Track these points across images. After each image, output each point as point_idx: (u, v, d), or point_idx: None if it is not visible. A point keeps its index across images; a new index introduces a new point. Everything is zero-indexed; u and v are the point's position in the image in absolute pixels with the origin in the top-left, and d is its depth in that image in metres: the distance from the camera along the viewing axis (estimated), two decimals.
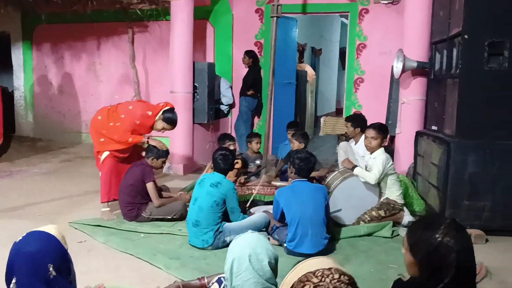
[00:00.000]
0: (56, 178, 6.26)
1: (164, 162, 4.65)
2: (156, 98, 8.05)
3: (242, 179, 4.88)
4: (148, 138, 4.62)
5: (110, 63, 8.47)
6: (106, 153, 4.56)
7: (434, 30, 5.12)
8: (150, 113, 4.59)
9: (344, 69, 8.14)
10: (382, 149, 4.41)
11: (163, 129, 4.68)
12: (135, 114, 4.54)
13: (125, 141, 4.51)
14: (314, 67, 12.83)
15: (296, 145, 5.34)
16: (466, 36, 4.13)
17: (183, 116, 6.53)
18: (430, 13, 5.29)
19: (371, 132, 4.44)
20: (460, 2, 4.25)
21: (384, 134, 4.43)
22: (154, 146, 4.51)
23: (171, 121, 4.65)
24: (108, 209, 4.60)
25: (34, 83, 9.02)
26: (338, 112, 14.15)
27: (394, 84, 5.99)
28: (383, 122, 6.34)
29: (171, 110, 4.68)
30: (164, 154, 4.54)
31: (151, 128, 4.70)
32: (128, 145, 4.56)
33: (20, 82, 9.12)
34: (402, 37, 5.65)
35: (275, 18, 5.44)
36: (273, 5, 5.32)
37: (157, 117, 4.62)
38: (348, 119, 5.51)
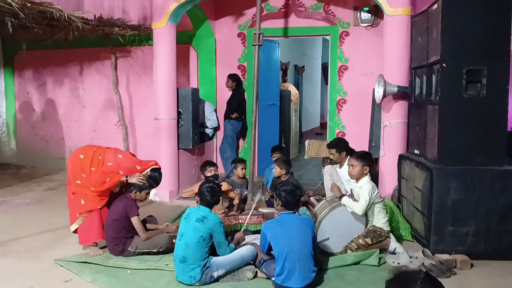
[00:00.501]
0: (40, 209, 6.17)
1: (148, 194, 4.61)
2: (141, 123, 8.07)
3: (236, 201, 4.90)
4: (126, 177, 4.55)
5: (93, 89, 8.44)
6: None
7: (413, 56, 5.21)
8: (138, 167, 4.56)
9: (327, 84, 8.21)
10: (367, 177, 4.44)
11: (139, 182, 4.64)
12: (121, 164, 4.49)
13: (101, 187, 4.44)
14: (298, 84, 12.95)
15: (277, 171, 5.36)
16: (444, 65, 4.22)
17: (168, 142, 6.55)
18: (408, 38, 5.39)
19: (352, 160, 4.48)
20: (438, 30, 4.34)
21: (365, 161, 4.44)
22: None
23: (156, 180, 4.64)
24: (94, 244, 4.55)
25: (16, 110, 8.94)
26: (323, 126, 14.27)
27: (376, 106, 6.06)
28: (367, 143, 6.45)
29: (158, 170, 4.67)
30: (146, 186, 4.51)
31: None
32: (104, 187, 4.49)
33: (2, 109, 9.03)
34: (383, 59, 5.74)
35: (257, 46, 5.48)
36: (255, 33, 5.36)
37: (143, 172, 4.60)
38: (331, 146, 5.52)
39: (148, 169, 4.60)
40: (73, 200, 4.53)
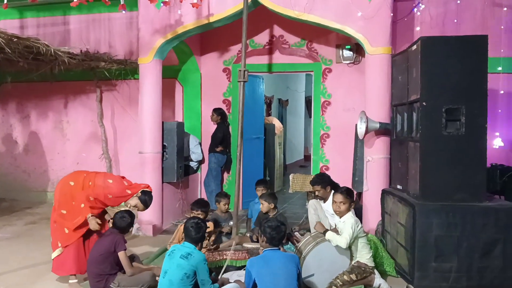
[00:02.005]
0: (21, 244, 6.03)
1: (131, 225, 4.57)
2: (125, 156, 8.03)
3: (213, 238, 4.84)
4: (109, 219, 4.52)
5: (78, 121, 8.41)
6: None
7: (394, 93, 5.34)
8: (129, 191, 4.54)
9: (310, 116, 8.31)
10: (350, 212, 4.47)
11: (135, 207, 4.62)
12: (111, 189, 4.46)
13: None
14: (282, 117, 13.10)
15: (265, 206, 5.36)
16: (424, 104, 4.33)
17: (152, 176, 6.51)
18: (389, 76, 5.53)
19: (339, 197, 4.51)
20: (417, 70, 4.47)
21: (351, 198, 4.51)
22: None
23: (145, 204, 4.63)
24: (75, 280, 4.46)
25: None
26: (307, 158, 14.38)
27: (359, 141, 6.14)
28: (350, 177, 6.50)
29: (149, 193, 4.66)
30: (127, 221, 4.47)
31: (123, 202, 4.65)
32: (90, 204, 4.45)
33: None
34: (365, 95, 5.85)
35: (242, 82, 5.56)
36: (240, 70, 5.45)
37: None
38: (315, 183, 5.48)
39: (139, 191, 4.57)
40: (56, 228, 4.48)
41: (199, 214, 5.01)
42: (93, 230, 4.50)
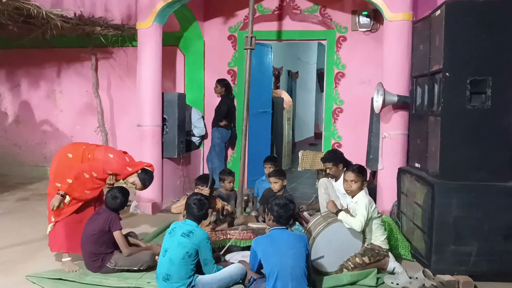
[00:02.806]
0: (13, 220, 6.11)
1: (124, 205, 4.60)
2: (122, 129, 8.05)
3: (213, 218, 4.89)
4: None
5: (72, 91, 8.41)
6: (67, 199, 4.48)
7: (414, 64, 5.27)
8: (130, 169, 4.55)
9: (322, 91, 8.27)
10: (363, 192, 4.47)
11: (133, 184, 4.63)
12: (111, 165, 4.47)
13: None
14: (291, 90, 13.05)
15: (279, 184, 5.39)
16: (447, 74, 4.28)
17: (152, 151, 6.53)
18: (409, 45, 5.46)
19: (350, 175, 4.50)
20: (440, 38, 4.39)
21: (364, 176, 4.50)
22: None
23: (144, 183, 4.63)
24: (69, 258, 4.50)
25: None
26: (317, 136, 14.36)
27: (375, 116, 6.11)
28: (364, 155, 6.49)
29: (150, 173, 4.66)
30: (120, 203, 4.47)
31: (123, 179, 4.65)
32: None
33: None
34: (382, 66, 5.80)
35: (248, 50, 5.52)
36: (247, 36, 5.40)
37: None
38: (326, 160, 5.48)
39: (140, 170, 4.58)
40: (50, 201, 4.49)
41: (203, 190, 5.03)
42: (88, 208, 4.54)
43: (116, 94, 8.12)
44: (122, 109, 8.06)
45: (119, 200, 4.40)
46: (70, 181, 4.37)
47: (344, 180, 4.58)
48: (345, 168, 5.25)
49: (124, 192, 4.46)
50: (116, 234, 4.32)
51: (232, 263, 4.24)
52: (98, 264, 4.32)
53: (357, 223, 4.27)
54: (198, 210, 3.99)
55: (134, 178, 4.60)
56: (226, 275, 3.87)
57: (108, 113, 8.10)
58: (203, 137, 7.93)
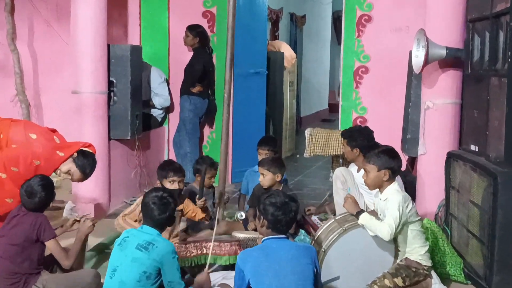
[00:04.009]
0: None
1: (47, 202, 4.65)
2: (51, 98, 8.03)
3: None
4: None
5: None
6: None
7: (470, 3, 5.31)
8: (61, 154, 4.59)
9: (340, 44, 8.29)
10: (395, 185, 4.49)
11: (68, 173, 4.69)
12: (36, 150, 4.51)
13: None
14: (295, 42, 13.05)
15: (268, 178, 5.41)
16: None
17: (93, 128, 6.56)
18: None
19: (364, 162, 4.61)
20: None
21: (390, 162, 4.48)
22: None
23: (84, 171, 4.70)
24: None
25: None
26: (333, 109, 14.37)
27: (414, 79, 6.15)
28: (398, 134, 6.55)
29: (91, 155, 4.73)
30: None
31: (54, 171, 4.70)
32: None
33: None
34: (424, 8, 5.82)
35: None
36: None
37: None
38: (344, 134, 5.59)
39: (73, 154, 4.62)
40: None
41: (176, 180, 5.09)
42: None
43: (42, 48, 8.09)
44: (50, 69, 8.04)
45: (38, 197, 4.39)
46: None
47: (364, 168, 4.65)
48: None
49: (44, 184, 4.44)
50: (50, 245, 4.35)
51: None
52: None
53: (385, 229, 4.29)
54: (160, 212, 3.99)
55: (69, 166, 4.64)
56: None
57: (30, 74, 8.07)
58: (168, 110, 7.96)
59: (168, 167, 5.41)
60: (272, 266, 3.73)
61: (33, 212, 4.40)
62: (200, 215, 5.38)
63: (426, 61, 5.50)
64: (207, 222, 5.48)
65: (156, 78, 7.71)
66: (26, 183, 4.43)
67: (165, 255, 3.87)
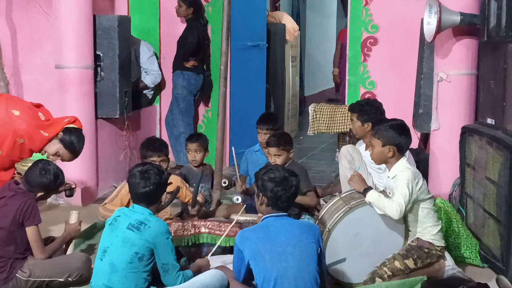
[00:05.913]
0: None
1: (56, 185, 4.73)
2: (31, 73, 8.05)
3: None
4: None
5: None
6: None
7: None
8: (46, 134, 4.65)
9: (346, 16, 8.31)
10: (403, 160, 4.52)
11: (56, 155, 4.75)
12: (17, 128, 4.59)
13: None
14: (298, 13, 13.00)
15: (283, 158, 5.49)
16: None
17: (78, 107, 6.59)
18: None
19: (371, 136, 4.64)
20: None
21: (398, 138, 4.50)
22: None
23: (72, 148, 4.77)
24: None
25: None
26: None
27: (426, 48, 6.19)
28: (409, 109, 6.60)
29: (78, 131, 4.79)
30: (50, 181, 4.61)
31: (38, 151, 4.77)
32: None
33: None
34: None
35: None
36: None
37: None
38: (353, 108, 5.65)
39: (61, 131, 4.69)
40: None
41: (157, 161, 5.14)
42: None
43: (21, 21, 8.08)
44: (30, 43, 8.04)
45: (51, 174, 4.49)
46: None
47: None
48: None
49: (56, 173, 4.54)
50: (30, 231, 4.43)
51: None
52: (5, 275, 4.41)
53: (394, 207, 4.30)
54: (143, 185, 4.02)
55: (56, 147, 4.70)
56: (198, 286, 4.01)
57: (9, 49, 8.07)
58: (160, 86, 8.01)
59: (147, 146, 5.49)
60: (273, 247, 3.78)
61: (25, 193, 4.49)
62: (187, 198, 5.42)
63: (439, 29, 5.52)
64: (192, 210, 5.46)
65: (145, 52, 7.76)
66: (38, 162, 4.50)
67: (158, 235, 3.94)
